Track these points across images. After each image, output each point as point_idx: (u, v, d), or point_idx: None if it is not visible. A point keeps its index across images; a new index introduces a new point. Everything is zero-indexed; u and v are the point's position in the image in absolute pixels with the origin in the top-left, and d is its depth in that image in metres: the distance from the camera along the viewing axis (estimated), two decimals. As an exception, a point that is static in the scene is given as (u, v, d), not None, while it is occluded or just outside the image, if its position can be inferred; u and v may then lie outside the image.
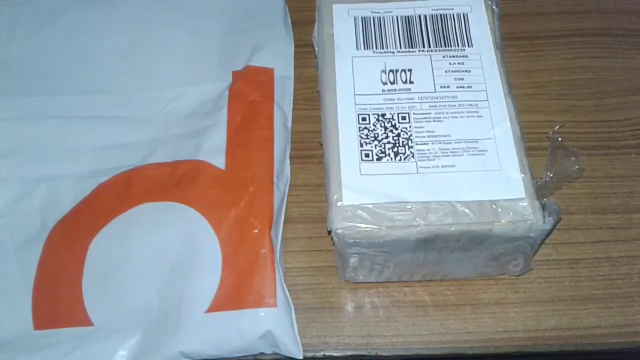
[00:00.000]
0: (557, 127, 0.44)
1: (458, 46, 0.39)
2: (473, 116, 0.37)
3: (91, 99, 0.45)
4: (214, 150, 0.41)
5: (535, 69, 0.48)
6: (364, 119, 0.37)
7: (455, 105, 0.37)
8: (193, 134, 0.43)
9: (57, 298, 0.38)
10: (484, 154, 0.35)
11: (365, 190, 0.34)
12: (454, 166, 0.35)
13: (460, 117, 0.37)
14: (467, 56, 0.39)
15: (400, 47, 0.39)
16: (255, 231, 0.39)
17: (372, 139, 0.36)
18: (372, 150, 0.36)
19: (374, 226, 0.33)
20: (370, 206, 0.34)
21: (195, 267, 0.38)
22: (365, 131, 0.36)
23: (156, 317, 0.37)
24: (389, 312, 0.39)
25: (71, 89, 0.45)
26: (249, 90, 0.44)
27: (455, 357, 0.38)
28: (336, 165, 0.35)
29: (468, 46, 0.39)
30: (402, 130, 0.36)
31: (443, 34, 0.40)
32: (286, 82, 0.46)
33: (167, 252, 0.38)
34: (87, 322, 0.37)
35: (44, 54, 0.47)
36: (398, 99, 0.37)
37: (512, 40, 0.48)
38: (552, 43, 0.49)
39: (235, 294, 0.37)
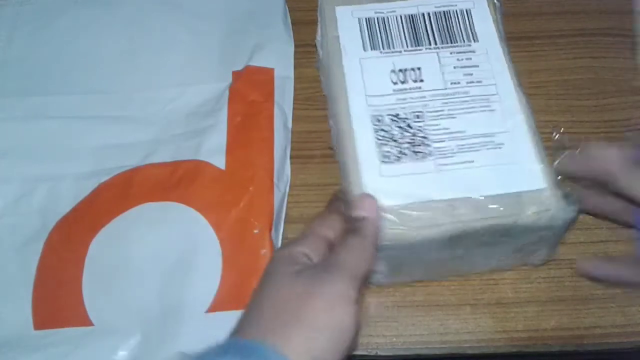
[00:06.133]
0: (561, 129, 0.44)
1: (464, 42, 0.39)
2: (485, 110, 0.37)
3: (91, 99, 0.45)
4: (214, 150, 0.41)
5: (535, 69, 0.48)
6: (378, 120, 0.36)
7: (467, 101, 0.37)
8: (193, 134, 0.43)
9: (57, 298, 0.38)
10: (500, 148, 0.36)
11: (389, 192, 0.34)
12: (472, 162, 0.35)
13: (474, 112, 0.37)
14: (474, 51, 0.39)
15: (407, 46, 0.39)
16: (256, 231, 0.39)
17: (389, 139, 0.36)
18: (390, 151, 0.35)
19: (402, 228, 0.33)
20: (396, 208, 0.33)
21: (195, 268, 0.38)
22: (382, 132, 0.36)
23: (156, 317, 0.37)
24: (389, 312, 0.39)
25: (71, 89, 0.45)
26: (249, 90, 0.44)
27: (455, 357, 0.38)
28: (355, 168, 0.35)
29: (474, 41, 0.39)
30: (417, 129, 0.36)
31: (448, 30, 0.40)
32: (286, 82, 0.46)
33: (167, 252, 0.38)
34: (87, 322, 0.37)
35: (44, 54, 0.47)
36: (410, 98, 0.37)
37: (512, 40, 0.48)
38: (552, 43, 0.49)
39: (235, 294, 0.37)
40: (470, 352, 0.38)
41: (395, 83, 0.38)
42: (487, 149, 0.35)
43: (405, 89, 0.38)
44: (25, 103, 0.44)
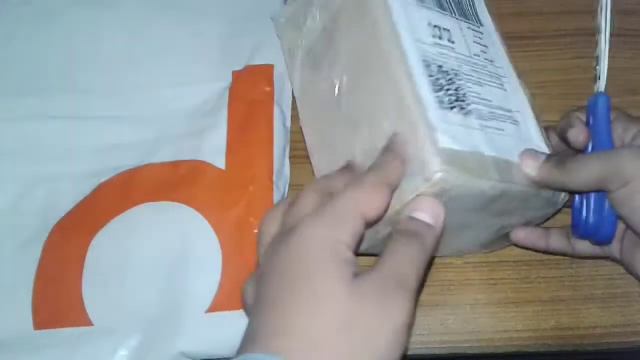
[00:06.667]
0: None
1: (474, 23, 0.39)
2: (501, 89, 0.37)
3: (91, 99, 0.45)
4: (214, 150, 0.41)
5: (535, 69, 0.47)
6: (428, 66, 0.34)
7: (487, 74, 0.37)
8: (193, 134, 0.43)
9: (57, 298, 0.38)
10: (518, 125, 0.36)
11: (453, 136, 0.31)
12: (502, 130, 0.35)
13: (493, 87, 0.37)
14: (482, 33, 0.39)
15: (436, 8, 0.38)
16: (256, 231, 0.39)
17: (439, 87, 0.33)
18: (443, 99, 0.33)
19: (468, 175, 0.30)
20: (461, 154, 0.31)
21: (195, 268, 0.38)
22: (433, 78, 0.33)
23: (156, 317, 0.37)
24: (389, 312, 0.39)
25: (71, 89, 0.45)
26: (249, 90, 0.44)
27: (455, 357, 0.38)
28: (417, 106, 0.32)
29: (480, 25, 0.40)
30: (458, 86, 0.34)
31: (462, 6, 0.39)
32: (286, 82, 0.46)
33: (167, 253, 0.38)
34: (87, 322, 0.37)
35: (44, 54, 0.47)
36: (448, 55, 0.36)
37: (512, 40, 0.48)
38: (552, 43, 0.49)
39: (235, 294, 0.37)
40: (470, 352, 0.38)
41: (434, 37, 0.36)
42: (509, 123, 0.36)
43: (443, 45, 0.36)
44: (25, 103, 0.44)
